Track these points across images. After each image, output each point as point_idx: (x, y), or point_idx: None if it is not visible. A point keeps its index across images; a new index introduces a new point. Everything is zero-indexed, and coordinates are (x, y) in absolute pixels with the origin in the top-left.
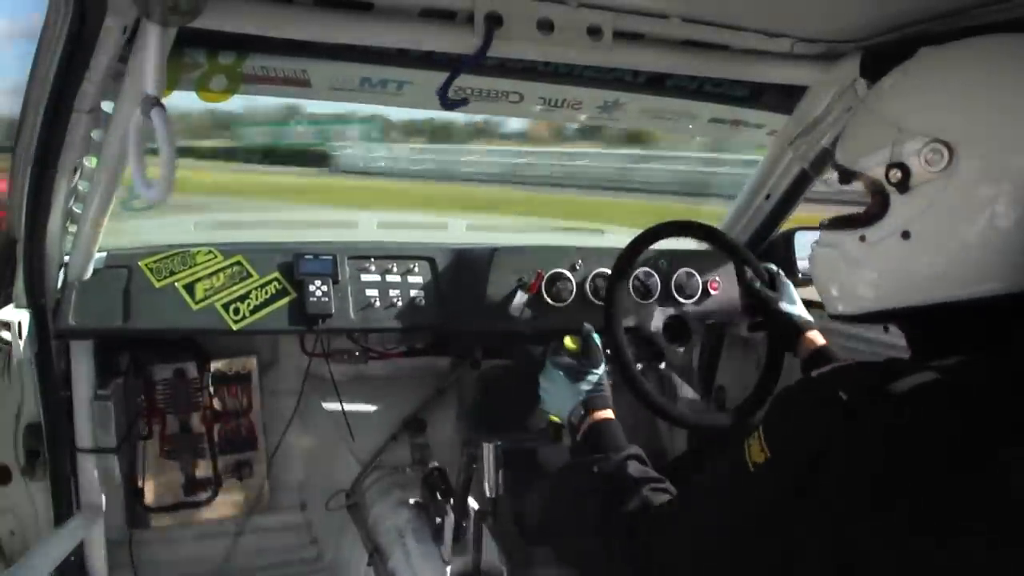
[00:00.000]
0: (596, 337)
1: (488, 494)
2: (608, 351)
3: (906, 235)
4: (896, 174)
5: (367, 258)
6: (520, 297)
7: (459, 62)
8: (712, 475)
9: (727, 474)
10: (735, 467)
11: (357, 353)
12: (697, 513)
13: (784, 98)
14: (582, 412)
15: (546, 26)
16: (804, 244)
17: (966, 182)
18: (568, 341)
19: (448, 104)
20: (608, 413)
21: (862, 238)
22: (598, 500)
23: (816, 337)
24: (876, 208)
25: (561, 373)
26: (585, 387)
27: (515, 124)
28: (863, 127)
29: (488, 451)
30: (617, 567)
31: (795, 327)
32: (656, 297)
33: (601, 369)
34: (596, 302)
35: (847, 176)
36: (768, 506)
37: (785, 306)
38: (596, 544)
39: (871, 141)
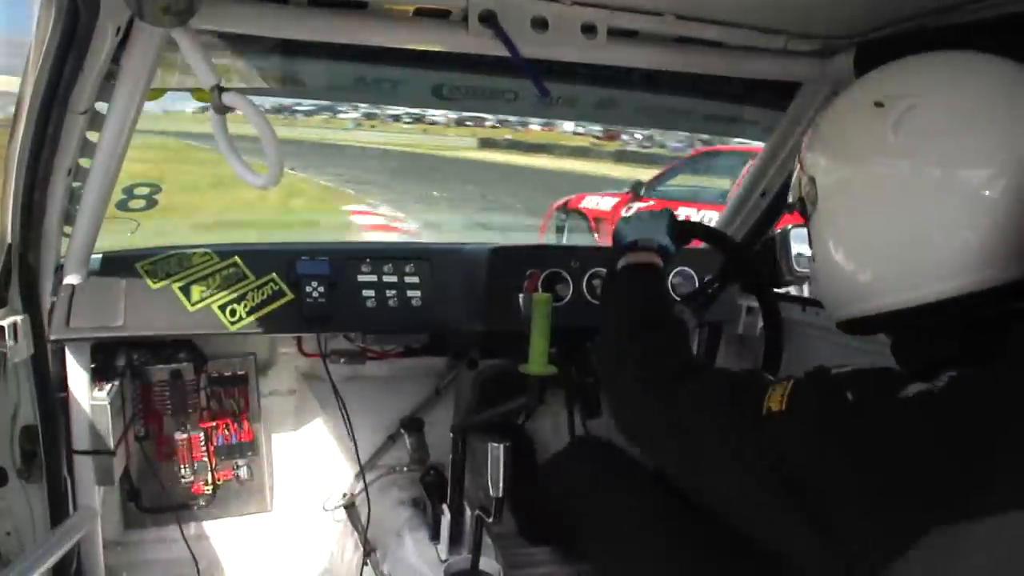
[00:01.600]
0: None
1: (492, 493)
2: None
3: (812, 258)
4: (800, 206)
5: (363, 259)
6: (525, 299)
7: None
8: (730, 394)
9: (741, 405)
10: (750, 403)
11: (354, 354)
12: (707, 411)
13: (779, 95)
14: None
15: (540, 24)
16: (799, 241)
17: (826, 209)
18: None
19: (543, 91)
20: (659, 260)
21: (809, 266)
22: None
23: None
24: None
25: (648, 214)
26: (665, 228)
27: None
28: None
29: (494, 450)
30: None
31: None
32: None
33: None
34: (593, 301)
35: (791, 207)
36: (762, 455)
37: None
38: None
39: (794, 178)
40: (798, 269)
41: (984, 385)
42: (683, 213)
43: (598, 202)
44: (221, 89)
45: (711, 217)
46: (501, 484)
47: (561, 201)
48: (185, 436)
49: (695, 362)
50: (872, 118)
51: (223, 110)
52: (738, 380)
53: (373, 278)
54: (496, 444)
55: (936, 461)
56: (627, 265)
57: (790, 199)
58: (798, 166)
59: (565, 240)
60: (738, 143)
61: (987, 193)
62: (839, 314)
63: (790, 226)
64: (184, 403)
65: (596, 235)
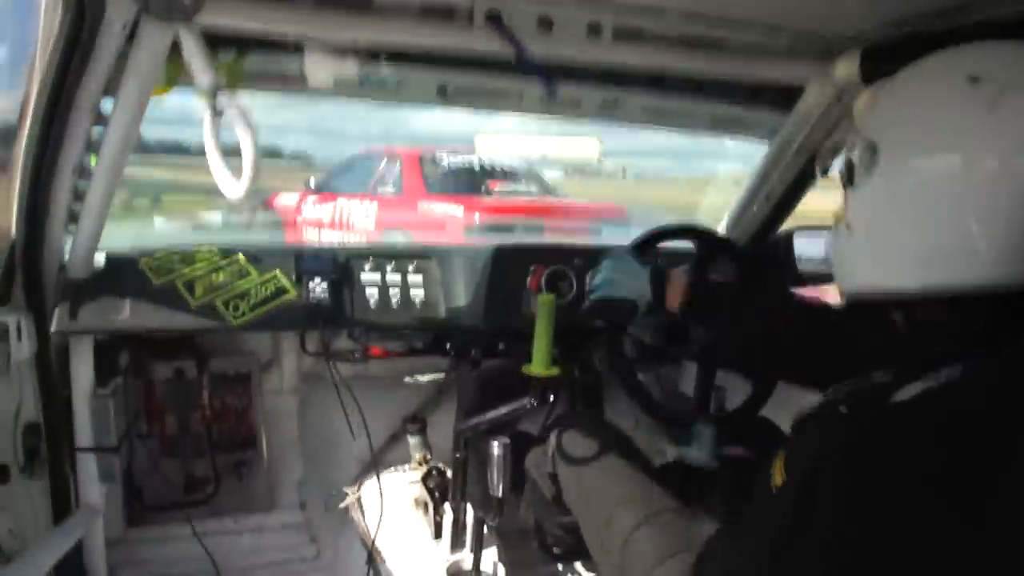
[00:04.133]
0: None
1: (493, 492)
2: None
3: (848, 226)
4: (844, 172)
5: (367, 257)
6: (529, 297)
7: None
8: (753, 498)
9: (758, 496)
10: (763, 489)
11: (357, 352)
12: (737, 539)
13: (783, 96)
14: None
15: (545, 24)
16: (804, 245)
17: (884, 179)
18: None
19: (551, 90)
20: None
21: (835, 226)
22: None
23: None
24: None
25: (630, 257)
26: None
27: None
28: (842, 131)
29: (494, 449)
30: None
31: None
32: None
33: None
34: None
35: (825, 171)
36: (782, 529)
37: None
38: None
39: (841, 142)
40: (802, 272)
41: (988, 381)
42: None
43: (290, 199)
44: (216, 90)
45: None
46: (502, 484)
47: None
48: (187, 434)
49: None
50: (964, 91)
51: (219, 113)
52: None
53: (376, 276)
54: (497, 443)
55: (939, 463)
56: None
57: (825, 165)
58: (851, 130)
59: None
60: None
61: None
62: (861, 285)
63: (795, 228)
64: (187, 401)
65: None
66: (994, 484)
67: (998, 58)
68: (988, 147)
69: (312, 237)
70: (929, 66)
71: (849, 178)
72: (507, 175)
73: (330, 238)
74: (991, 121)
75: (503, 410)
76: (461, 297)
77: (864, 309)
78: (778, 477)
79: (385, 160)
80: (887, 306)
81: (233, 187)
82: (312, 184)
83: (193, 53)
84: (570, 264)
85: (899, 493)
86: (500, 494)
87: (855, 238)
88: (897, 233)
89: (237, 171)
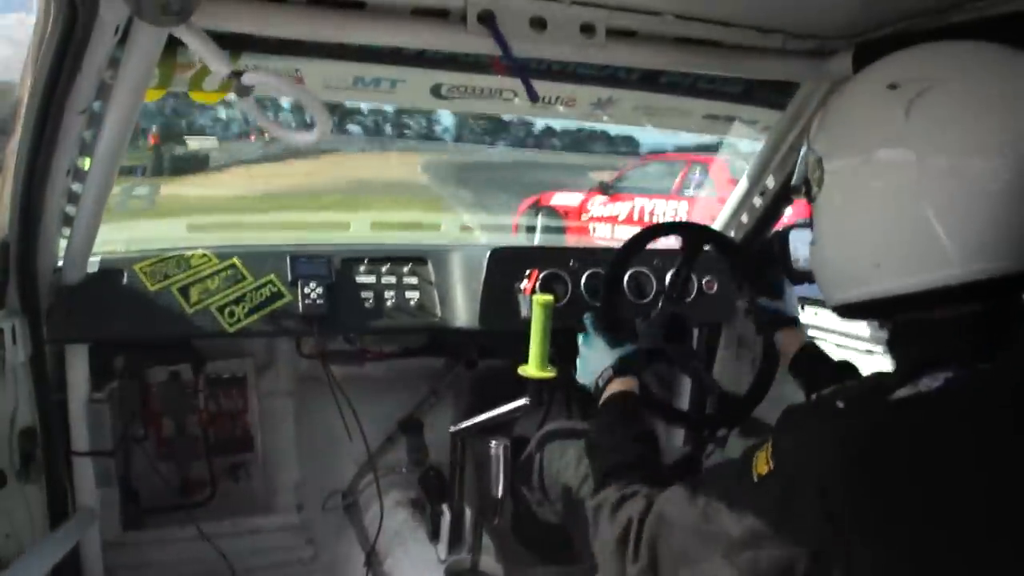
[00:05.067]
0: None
1: (492, 493)
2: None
3: (813, 241)
4: (802, 188)
5: (361, 260)
6: (524, 300)
7: (519, 67)
8: (717, 483)
9: (733, 483)
10: (741, 477)
11: (353, 355)
12: (699, 516)
13: (777, 94)
14: (611, 374)
15: (539, 24)
16: (799, 242)
17: (831, 189)
18: None
19: (533, 96)
20: (633, 383)
21: (810, 247)
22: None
23: (799, 333)
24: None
25: (601, 339)
26: (619, 352)
27: None
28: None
29: (493, 450)
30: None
31: (777, 322)
32: (652, 297)
33: (634, 345)
34: (591, 302)
35: (795, 191)
36: (766, 516)
37: (768, 302)
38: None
39: (801, 161)
40: (798, 268)
41: (979, 389)
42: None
43: (566, 198)
44: (237, 73)
45: (674, 209)
46: (501, 484)
47: (531, 199)
48: (184, 437)
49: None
50: (885, 99)
51: (245, 92)
52: (715, 475)
53: (371, 279)
54: (496, 444)
55: (931, 465)
56: (604, 402)
57: (794, 181)
58: (805, 147)
59: (537, 237)
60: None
61: (994, 183)
62: (838, 297)
63: (790, 226)
64: (183, 404)
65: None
66: (988, 483)
67: (917, 63)
68: (908, 150)
69: (604, 232)
70: (859, 78)
71: (808, 194)
72: None
73: (624, 232)
74: (909, 123)
75: (498, 411)
76: (457, 299)
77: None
78: (762, 466)
79: (688, 165)
80: (865, 313)
81: (308, 137)
82: (602, 185)
83: (198, 47)
84: (565, 267)
85: (893, 490)
86: (499, 494)
87: (823, 251)
88: (854, 239)
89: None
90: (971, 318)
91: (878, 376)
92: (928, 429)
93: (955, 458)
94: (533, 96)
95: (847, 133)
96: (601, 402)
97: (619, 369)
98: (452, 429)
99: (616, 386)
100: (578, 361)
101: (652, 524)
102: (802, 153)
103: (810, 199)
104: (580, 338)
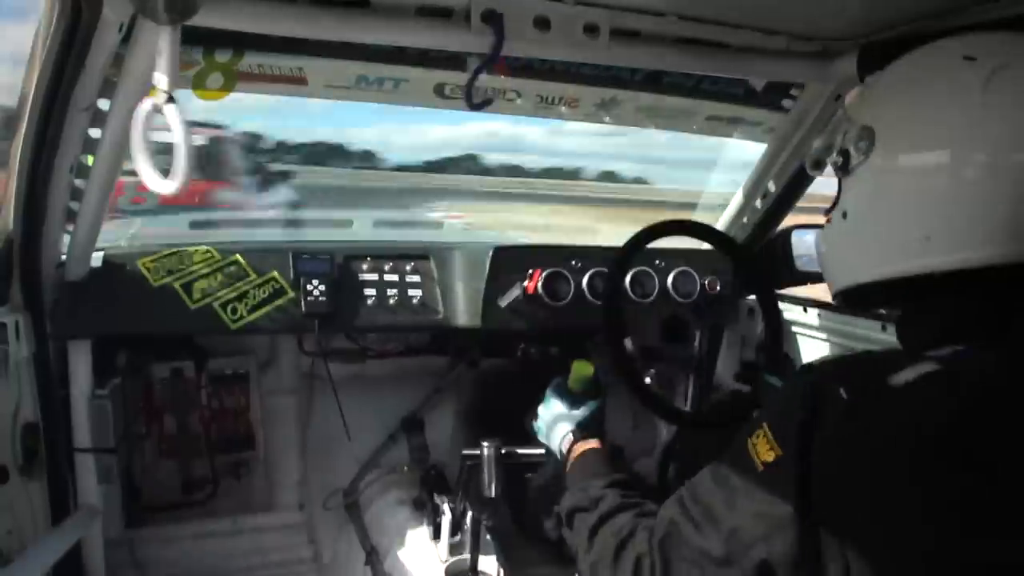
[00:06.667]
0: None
1: (485, 493)
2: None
3: (844, 215)
4: (838, 159)
5: (364, 257)
6: (512, 293)
7: (480, 63)
8: (717, 479)
9: (735, 477)
10: (743, 469)
11: (355, 353)
12: (703, 520)
13: (781, 95)
14: (571, 439)
15: (543, 24)
16: (802, 242)
17: (881, 164)
18: (579, 368)
19: (476, 106)
20: (595, 443)
21: (828, 221)
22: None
23: None
24: (836, 194)
25: (559, 401)
26: (580, 414)
27: None
28: (834, 122)
29: (487, 451)
30: None
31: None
32: (654, 297)
33: (598, 401)
34: (594, 301)
35: (817, 164)
36: (784, 505)
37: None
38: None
39: (833, 132)
40: (800, 270)
41: (986, 366)
42: None
43: None
44: (170, 98)
45: None
46: (494, 484)
47: None
48: (186, 435)
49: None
50: (960, 71)
51: (158, 112)
52: (708, 477)
53: (374, 277)
54: (488, 444)
55: (939, 449)
56: (570, 468)
57: (816, 153)
58: (844, 120)
59: None
60: None
61: None
62: (855, 278)
63: (792, 227)
64: (185, 401)
65: None
66: (992, 470)
67: (993, 41)
68: (983, 123)
69: None
70: (925, 51)
71: (844, 166)
72: None
73: None
74: (986, 97)
75: (517, 451)
76: (459, 298)
77: (857, 302)
78: (765, 453)
79: None
80: (882, 296)
81: (162, 184)
82: None
83: (165, 52)
84: (568, 266)
85: (901, 483)
86: (493, 494)
87: (853, 226)
88: (899, 214)
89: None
90: (976, 298)
91: (879, 356)
92: (933, 416)
93: (966, 443)
94: (474, 107)
95: (912, 102)
96: (568, 469)
97: (579, 432)
98: (464, 454)
99: (580, 448)
100: (537, 423)
101: (661, 549)
102: (838, 124)
103: (845, 171)
104: (541, 405)
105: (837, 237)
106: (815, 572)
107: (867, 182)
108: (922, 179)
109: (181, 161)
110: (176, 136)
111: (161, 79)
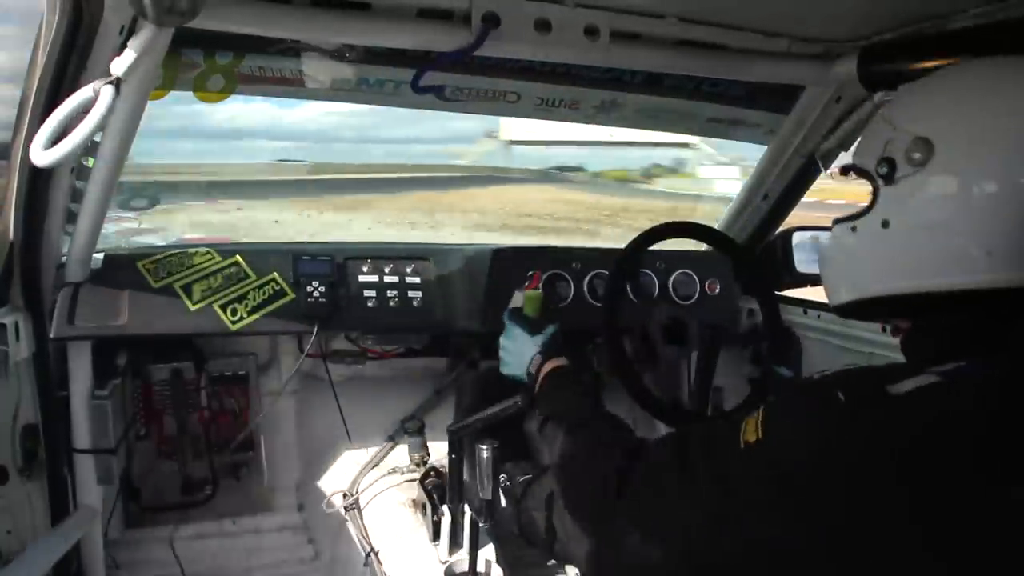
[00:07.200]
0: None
1: (481, 495)
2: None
3: (885, 224)
4: (883, 167)
5: (364, 259)
6: (518, 297)
7: (442, 56)
8: (701, 441)
9: (717, 445)
10: (726, 441)
11: (355, 354)
12: (676, 476)
13: (782, 98)
14: (540, 360)
15: (543, 26)
16: (802, 244)
17: (941, 177)
18: (528, 296)
19: (420, 91)
20: (562, 360)
21: (853, 228)
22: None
23: None
24: (869, 201)
25: (520, 329)
26: (541, 339)
27: None
28: (871, 128)
29: (480, 452)
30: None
31: None
32: (654, 298)
33: (555, 324)
34: (594, 302)
35: (847, 169)
36: (746, 487)
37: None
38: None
39: (872, 139)
40: (800, 272)
41: (987, 380)
42: None
43: None
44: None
45: None
46: (489, 486)
47: None
48: (185, 435)
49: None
50: None
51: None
52: (696, 436)
53: (374, 278)
54: (483, 446)
55: (934, 460)
56: (543, 380)
57: (857, 162)
58: (886, 127)
59: None
60: None
61: None
62: (854, 292)
63: (792, 229)
64: (185, 402)
65: None
66: (985, 482)
67: None
68: None
69: None
70: (989, 61)
71: (889, 176)
72: None
73: None
74: None
75: (492, 410)
76: (459, 299)
77: (858, 314)
78: (751, 434)
79: None
80: (887, 309)
81: (42, 156)
82: None
83: (148, 51)
84: (568, 267)
85: (890, 489)
86: (488, 496)
87: (897, 236)
88: (959, 228)
89: None
90: (982, 314)
91: (881, 368)
92: (930, 426)
93: (961, 455)
94: (419, 90)
95: (981, 111)
96: (539, 382)
97: (546, 353)
98: (449, 427)
99: (549, 366)
100: (502, 354)
101: (642, 475)
102: (879, 133)
103: (889, 180)
104: (502, 336)
105: (869, 246)
106: (786, 558)
107: (921, 193)
108: (987, 194)
109: (74, 138)
110: (90, 118)
111: (120, 65)
